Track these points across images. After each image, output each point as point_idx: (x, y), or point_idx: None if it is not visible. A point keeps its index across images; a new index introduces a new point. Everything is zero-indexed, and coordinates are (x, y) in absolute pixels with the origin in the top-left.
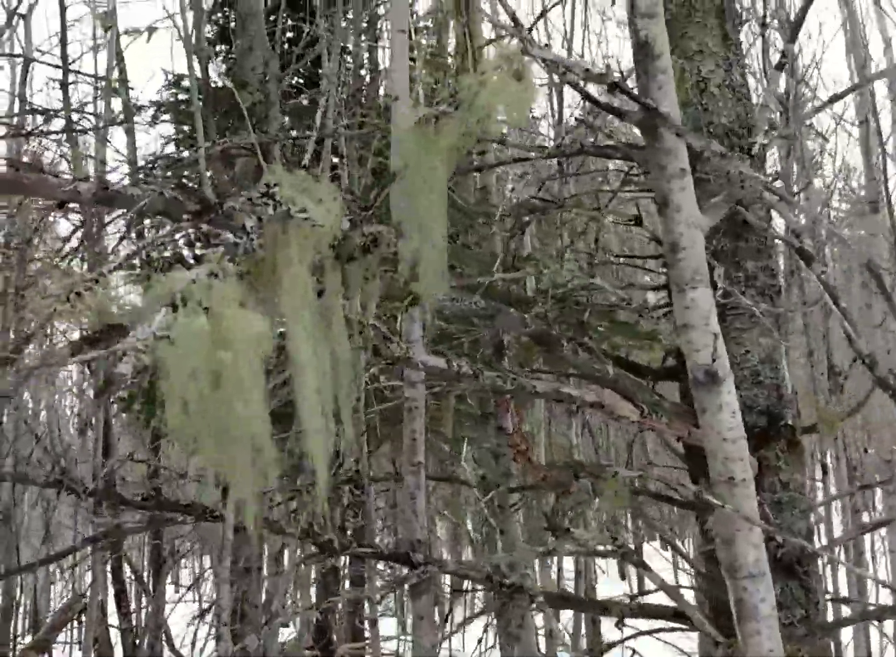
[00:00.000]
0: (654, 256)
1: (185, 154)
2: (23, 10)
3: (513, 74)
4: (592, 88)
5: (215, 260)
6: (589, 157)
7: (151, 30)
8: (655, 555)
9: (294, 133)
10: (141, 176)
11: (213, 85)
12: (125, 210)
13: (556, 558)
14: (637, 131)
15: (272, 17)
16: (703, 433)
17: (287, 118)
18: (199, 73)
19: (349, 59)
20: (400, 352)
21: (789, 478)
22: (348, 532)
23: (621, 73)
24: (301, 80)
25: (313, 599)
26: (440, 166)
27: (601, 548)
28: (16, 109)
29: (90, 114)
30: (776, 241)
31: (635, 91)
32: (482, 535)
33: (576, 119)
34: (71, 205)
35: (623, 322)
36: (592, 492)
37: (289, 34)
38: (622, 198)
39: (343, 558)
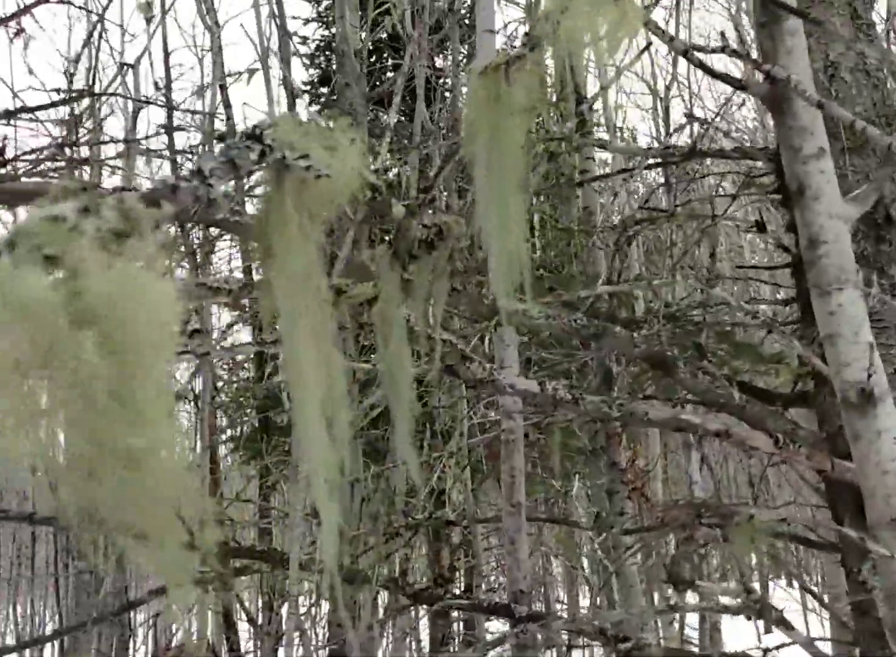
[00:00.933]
0: (780, 266)
1: None
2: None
3: None
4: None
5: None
6: (697, 169)
7: (251, 72)
8: (777, 591)
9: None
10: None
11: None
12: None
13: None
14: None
15: (373, 58)
16: (856, 465)
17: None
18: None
19: (447, 94)
20: (483, 373)
21: None
22: (458, 571)
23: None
24: (403, 118)
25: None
26: (513, 125)
27: (732, 602)
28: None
29: (194, 153)
30: None
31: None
32: (598, 577)
33: (685, 115)
34: None
35: (746, 344)
36: (722, 538)
37: (389, 74)
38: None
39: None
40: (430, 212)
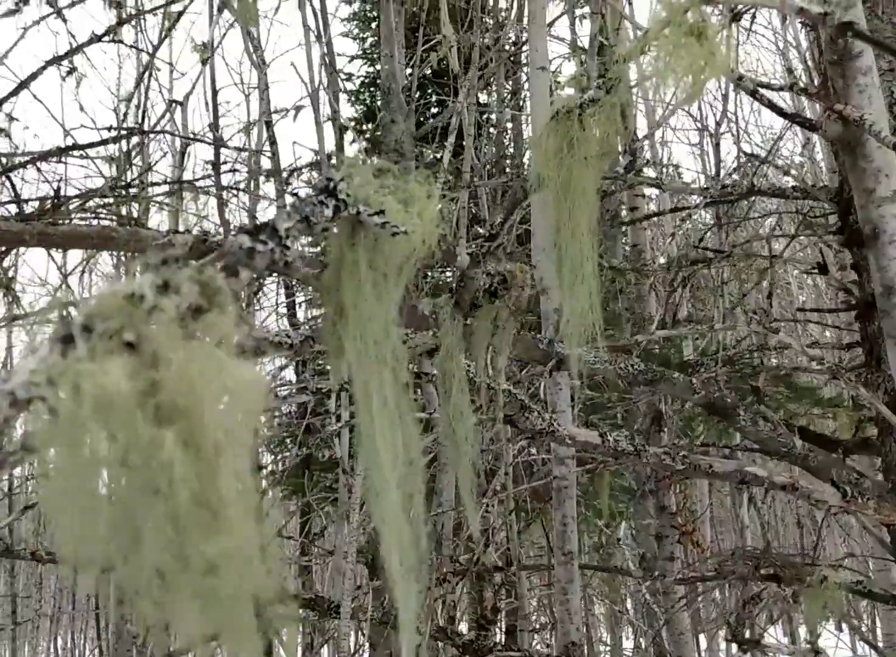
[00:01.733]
0: (842, 309)
1: None
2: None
3: (689, 32)
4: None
5: (194, 270)
6: (749, 208)
7: (298, 108)
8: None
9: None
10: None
11: (359, 155)
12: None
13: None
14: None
15: (417, 94)
16: None
17: None
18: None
19: (492, 130)
20: (542, 423)
21: None
22: (501, 612)
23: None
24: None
25: None
26: (587, 173)
27: None
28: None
29: (240, 190)
30: None
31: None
32: (644, 619)
33: (743, 153)
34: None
35: (804, 387)
36: (792, 599)
37: (434, 109)
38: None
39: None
40: (495, 260)
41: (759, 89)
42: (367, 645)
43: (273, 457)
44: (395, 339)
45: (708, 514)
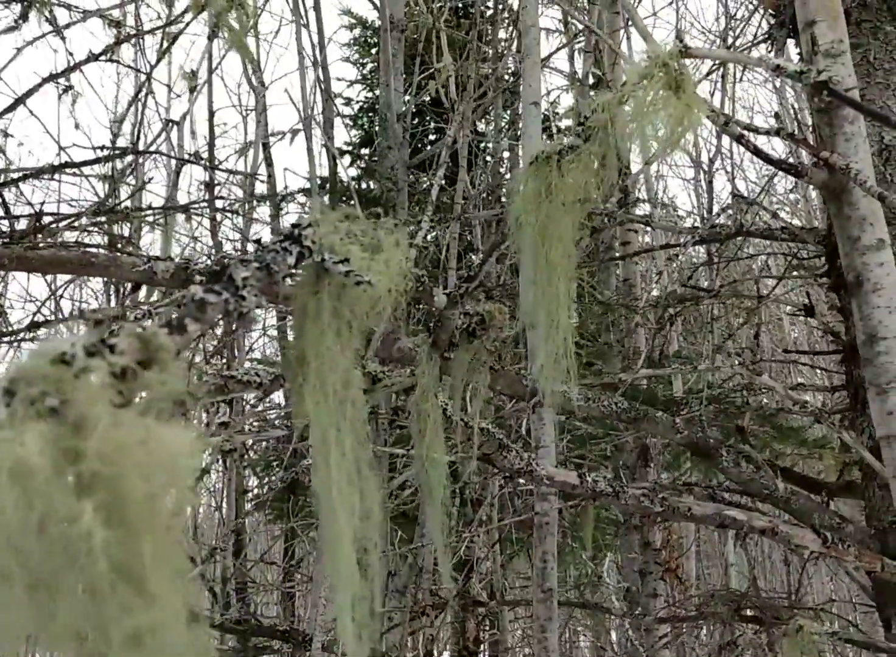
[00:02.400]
0: (828, 352)
1: None
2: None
3: (667, 85)
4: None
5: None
6: (739, 246)
7: (294, 132)
8: None
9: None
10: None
11: (351, 182)
12: None
13: None
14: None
15: (415, 121)
16: None
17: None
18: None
19: (489, 158)
20: (520, 463)
21: None
22: (484, 643)
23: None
24: (444, 181)
25: None
26: (565, 220)
27: None
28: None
29: (234, 212)
30: None
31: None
32: (626, 653)
33: (732, 195)
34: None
35: (790, 427)
36: (768, 647)
37: (431, 137)
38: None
39: None
40: (474, 300)
41: (746, 134)
42: None
43: (259, 480)
44: (356, 391)
45: (694, 549)
